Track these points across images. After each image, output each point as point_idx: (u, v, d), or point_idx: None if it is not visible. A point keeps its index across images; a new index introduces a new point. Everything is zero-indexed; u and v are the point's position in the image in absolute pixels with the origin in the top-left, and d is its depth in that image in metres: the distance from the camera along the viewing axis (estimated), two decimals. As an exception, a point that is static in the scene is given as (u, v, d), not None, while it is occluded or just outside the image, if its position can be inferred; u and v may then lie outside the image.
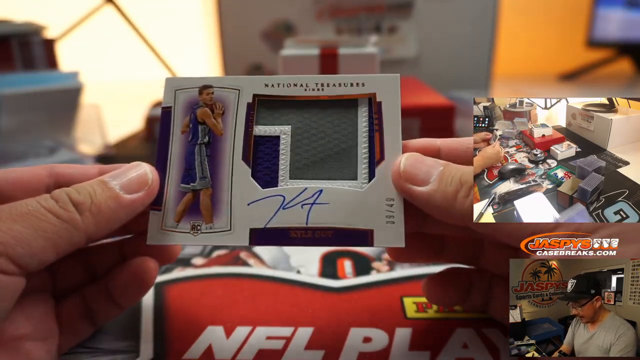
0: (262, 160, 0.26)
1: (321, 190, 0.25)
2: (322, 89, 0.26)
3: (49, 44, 0.80)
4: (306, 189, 0.25)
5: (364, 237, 0.24)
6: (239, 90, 0.26)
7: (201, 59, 1.64)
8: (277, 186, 0.25)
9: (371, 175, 0.25)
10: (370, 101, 0.26)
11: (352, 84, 0.26)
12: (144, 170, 0.24)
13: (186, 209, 0.25)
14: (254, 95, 0.26)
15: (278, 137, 0.26)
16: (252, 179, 0.25)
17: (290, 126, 0.26)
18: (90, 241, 0.22)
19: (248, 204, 0.25)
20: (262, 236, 0.24)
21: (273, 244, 0.24)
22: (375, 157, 0.25)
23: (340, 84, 0.26)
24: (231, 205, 0.25)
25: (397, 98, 0.25)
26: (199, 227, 0.25)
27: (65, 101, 0.70)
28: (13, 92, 0.62)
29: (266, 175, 0.26)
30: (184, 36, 1.62)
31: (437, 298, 0.28)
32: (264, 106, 0.26)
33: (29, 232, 0.20)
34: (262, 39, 1.19)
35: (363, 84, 0.26)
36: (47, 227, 0.20)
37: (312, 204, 0.24)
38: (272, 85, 0.26)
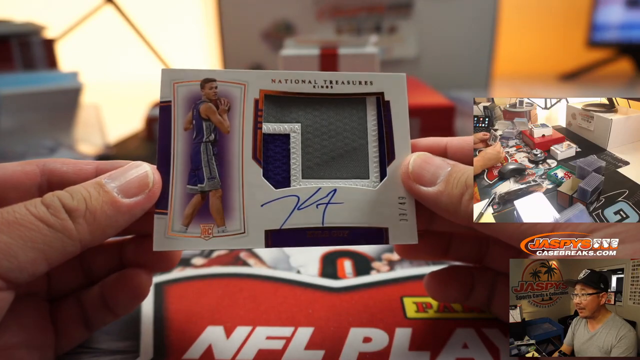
0: (272, 159, 0.25)
1: (335, 190, 0.24)
2: (331, 87, 0.26)
3: (49, 44, 0.80)
4: (320, 188, 0.24)
5: (379, 235, 0.24)
6: (245, 85, 0.25)
7: (201, 58, 1.64)
8: (289, 186, 0.25)
9: (382, 173, 0.25)
10: (379, 100, 0.26)
11: (360, 82, 0.26)
12: (144, 170, 0.22)
13: (195, 212, 0.23)
14: (261, 91, 0.25)
15: (287, 136, 0.25)
16: (264, 179, 0.24)
17: (300, 124, 0.26)
18: (86, 248, 0.21)
19: (262, 205, 0.24)
20: (279, 238, 0.24)
21: (290, 245, 0.24)
22: (386, 156, 0.25)
23: (349, 82, 0.26)
24: (244, 206, 0.24)
25: (404, 97, 0.26)
26: (210, 231, 0.24)
27: (65, 101, 0.70)
28: (13, 92, 0.62)
29: (277, 175, 0.25)
30: (184, 36, 1.62)
31: (439, 294, 0.28)
32: (271, 102, 0.25)
33: (17, 243, 0.18)
34: (262, 39, 1.19)
35: (371, 82, 0.26)
36: (37, 237, 0.19)
37: (327, 203, 0.24)
38: (280, 81, 0.25)
